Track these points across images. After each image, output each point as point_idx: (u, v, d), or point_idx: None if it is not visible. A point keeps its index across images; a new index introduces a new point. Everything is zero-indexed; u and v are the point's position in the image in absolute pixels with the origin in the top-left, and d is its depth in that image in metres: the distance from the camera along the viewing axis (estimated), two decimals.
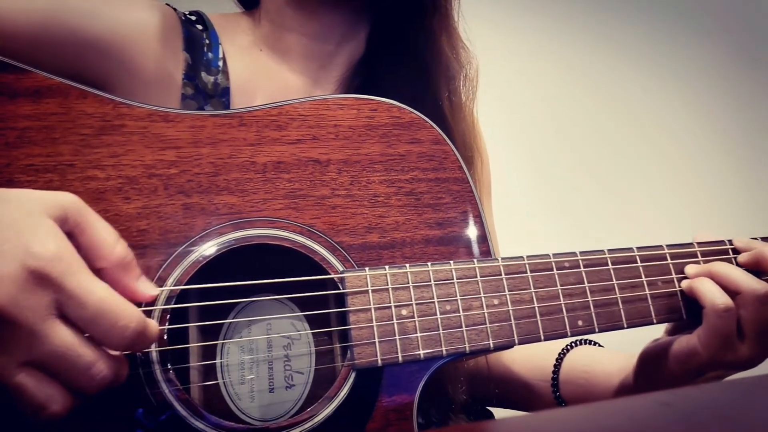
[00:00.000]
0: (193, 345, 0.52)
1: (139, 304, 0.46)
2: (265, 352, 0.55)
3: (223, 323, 0.55)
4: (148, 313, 0.48)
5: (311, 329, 0.56)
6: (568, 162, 1.69)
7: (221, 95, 0.70)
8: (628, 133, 1.77)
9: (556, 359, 0.76)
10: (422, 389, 0.53)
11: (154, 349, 0.47)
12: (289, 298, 0.56)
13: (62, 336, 0.39)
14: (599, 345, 0.78)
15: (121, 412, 0.47)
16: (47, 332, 0.39)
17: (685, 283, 0.60)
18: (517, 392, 0.80)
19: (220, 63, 0.71)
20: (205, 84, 0.70)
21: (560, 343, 0.77)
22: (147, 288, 0.46)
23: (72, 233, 0.42)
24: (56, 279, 0.39)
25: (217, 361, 0.54)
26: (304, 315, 0.56)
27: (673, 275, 0.60)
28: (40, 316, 0.38)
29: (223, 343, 0.54)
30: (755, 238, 0.64)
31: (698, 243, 0.63)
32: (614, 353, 0.74)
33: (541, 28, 1.73)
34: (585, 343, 0.78)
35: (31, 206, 0.41)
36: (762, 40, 1.96)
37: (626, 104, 1.78)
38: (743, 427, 0.31)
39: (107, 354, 0.41)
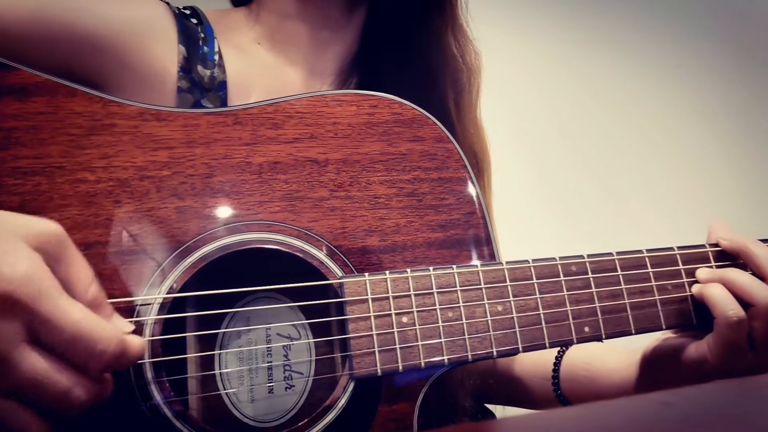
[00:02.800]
0: (190, 355, 0.51)
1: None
2: (264, 359, 0.53)
3: (219, 332, 0.53)
4: (140, 324, 0.47)
5: (312, 334, 0.54)
6: (572, 164, 1.67)
7: (218, 89, 0.68)
8: (633, 135, 1.74)
9: (556, 357, 0.75)
10: (423, 397, 0.51)
11: (147, 361, 0.46)
12: (289, 304, 0.55)
13: (34, 363, 0.37)
14: None
15: (119, 421, 0.46)
16: (18, 360, 0.37)
17: (695, 288, 0.58)
18: (518, 390, 0.79)
19: (216, 57, 0.69)
20: (201, 77, 0.68)
21: None
22: (121, 325, 0.43)
23: (48, 264, 0.39)
24: (27, 303, 0.37)
25: (216, 371, 0.52)
26: (305, 321, 0.55)
27: (684, 279, 0.58)
28: (10, 344, 0.36)
29: (220, 353, 0.53)
30: (765, 240, 0.62)
31: (710, 245, 0.61)
32: (614, 349, 0.73)
33: (543, 29, 1.70)
34: None
35: (9, 232, 0.38)
36: (762, 40, 1.92)
37: (630, 106, 1.75)
38: (743, 427, 0.30)
39: (85, 377, 0.39)
